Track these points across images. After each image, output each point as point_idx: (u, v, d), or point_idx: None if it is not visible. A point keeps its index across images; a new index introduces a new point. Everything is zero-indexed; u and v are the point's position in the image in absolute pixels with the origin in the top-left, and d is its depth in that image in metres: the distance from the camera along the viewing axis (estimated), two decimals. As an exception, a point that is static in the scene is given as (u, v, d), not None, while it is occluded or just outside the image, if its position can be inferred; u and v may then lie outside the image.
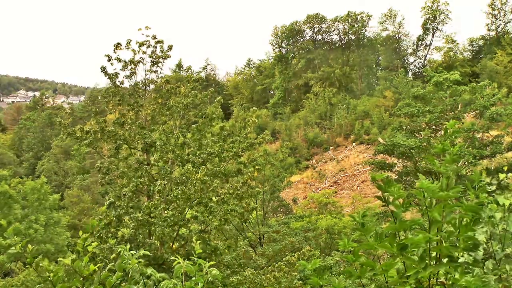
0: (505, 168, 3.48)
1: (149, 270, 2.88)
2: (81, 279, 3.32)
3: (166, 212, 11.92)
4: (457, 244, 2.26)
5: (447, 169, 2.10)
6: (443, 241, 2.22)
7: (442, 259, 2.27)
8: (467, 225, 2.14)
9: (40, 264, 3.60)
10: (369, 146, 57.65)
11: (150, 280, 2.90)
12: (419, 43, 77.23)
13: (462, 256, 2.44)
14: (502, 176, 3.29)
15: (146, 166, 13.55)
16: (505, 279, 2.81)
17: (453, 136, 2.39)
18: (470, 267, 2.54)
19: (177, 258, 3.03)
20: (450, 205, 2.08)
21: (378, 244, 2.20)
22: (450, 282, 2.39)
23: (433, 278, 2.33)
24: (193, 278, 2.91)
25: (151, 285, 2.87)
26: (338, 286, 2.44)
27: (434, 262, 2.26)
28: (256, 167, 14.22)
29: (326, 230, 26.02)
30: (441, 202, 2.08)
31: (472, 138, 28.21)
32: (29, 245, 3.97)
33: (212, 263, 3.18)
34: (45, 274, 3.46)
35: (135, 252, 2.93)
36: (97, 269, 3.34)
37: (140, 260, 2.97)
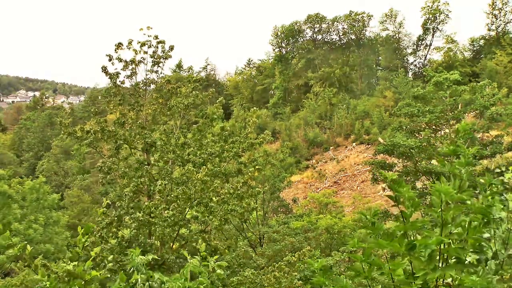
0: (511, 168, 3.45)
1: (157, 275, 2.87)
2: (83, 283, 3.30)
3: (166, 212, 11.90)
4: (464, 246, 2.24)
5: (460, 171, 2.08)
6: (451, 242, 2.20)
7: (449, 261, 2.25)
8: (476, 227, 2.12)
9: (39, 268, 3.57)
10: (369, 146, 57.63)
11: (155, 282, 2.89)
12: (419, 43, 77.23)
13: (470, 256, 2.42)
14: (508, 175, 3.27)
15: (147, 166, 13.53)
16: (507, 279, 2.79)
17: (462, 138, 2.37)
18: (474, 267, 2.52)
19: (183, 256, 3.02)
20: (461, 207, 2.07)
21: (388, 243, 2.19)
22: (456, 283, 2.37)
23: (440, 279, 2.31)
24: (199, 278, 2.90)
25: (156, 287, 2.86)
26: (345, 285, 2.43)
27: (441, 263, 2.25)
28: (256, 167, 14.21)
29: (326, 230, 26.00)
30: (451, 204, 2.07)
31: (472, 138, 28.19)
32: (28, 247, 3.93)
33: (216, 257, 3.17)
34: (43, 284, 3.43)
35: (143, 257, 2.93)
36: (99, 275, 3.31)
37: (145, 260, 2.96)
